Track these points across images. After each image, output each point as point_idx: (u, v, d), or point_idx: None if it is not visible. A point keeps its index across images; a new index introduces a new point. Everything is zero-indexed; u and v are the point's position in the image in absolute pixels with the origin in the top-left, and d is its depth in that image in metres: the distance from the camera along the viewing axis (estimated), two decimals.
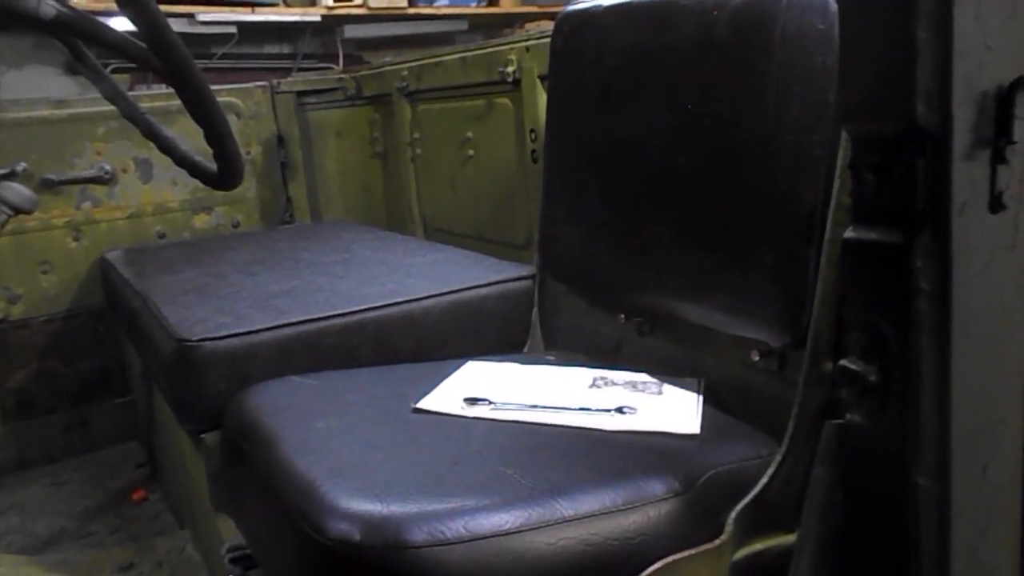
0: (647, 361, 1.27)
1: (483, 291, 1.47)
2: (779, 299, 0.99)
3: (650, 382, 1.17)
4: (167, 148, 1.33)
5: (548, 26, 1.47)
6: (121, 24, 1.19)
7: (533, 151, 1.71)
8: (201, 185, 1.40)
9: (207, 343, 1.25)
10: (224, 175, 1.20)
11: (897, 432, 0.62)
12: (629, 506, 0.85)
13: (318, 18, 3.18)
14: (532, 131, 1.70)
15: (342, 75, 2.53)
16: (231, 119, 1.97)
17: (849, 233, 0.63)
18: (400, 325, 1.39)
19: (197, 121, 1.08)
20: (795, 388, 0.88)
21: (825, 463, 0.72)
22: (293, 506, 0.86)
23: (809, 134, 0.95)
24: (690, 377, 1.18)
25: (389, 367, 1.32)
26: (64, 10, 1.01)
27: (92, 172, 2.17)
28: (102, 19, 1.08)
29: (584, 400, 1.11)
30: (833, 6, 0.93)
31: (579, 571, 0.83)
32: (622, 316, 1.31)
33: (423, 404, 1.10)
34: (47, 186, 2.10)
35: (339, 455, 0.95)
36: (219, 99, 1.09)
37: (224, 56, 3.08)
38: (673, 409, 1.07)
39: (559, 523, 0.82)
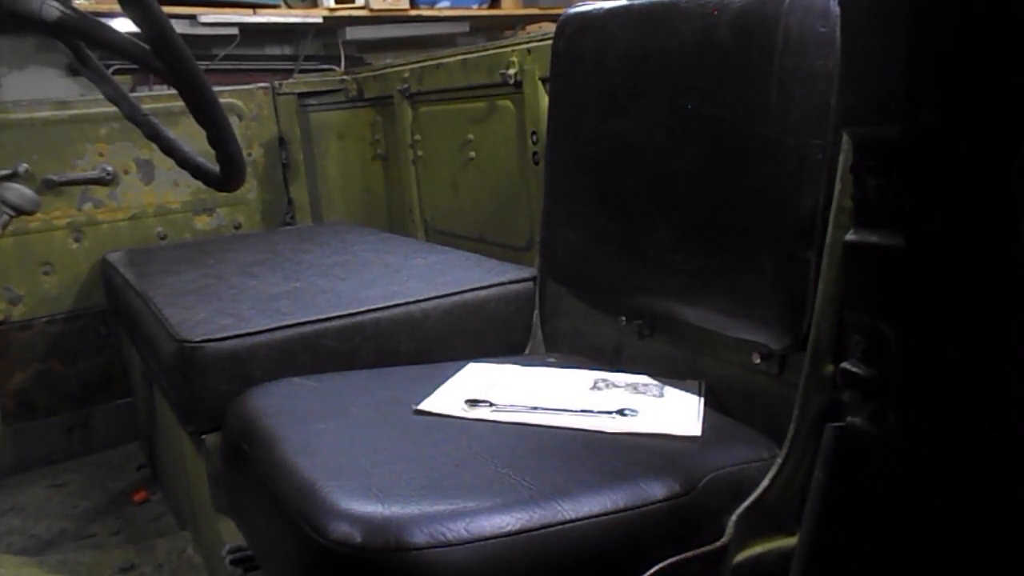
0: (648, 363, 1.27)
1: (484, 293, 1.48)
2: (780, 302, 0.99)
3: (651, 384, 1.17)
4: (169, 150, 1.33)
5: (550, 28, 1.47)
6: (123, 25, 1.20)
7: (534, 153, 1.71)
8: (202, 186, 1.41)
9: (208, 344, 1.25)
10: (226, 177, 1.20)
11: (898, 435, 0.62)
12: (630, 508, 0.85)
13: (320, 20, 3.18)
14: (533, 133, 1.70)
15: (344, 77, 2.53)
16: (233, 120, 1.97)
17: (850, 236, 0.63)
18: (401, 327, 1.39)
19: (199, 122, 1.08)
20: (796, 391, 0.88)
21: (826, 466, 0.72)
22: (294, 507, 0.86)
23: (810, 137, 0.95)
24: (691, 379, 1.18)
25: (390, 369, 1.32)
26: (66, 11, 1.01)
27: (94, 173, 2.17)
28: (104, 20, 1.08)
29: (585, 402, 1.11)
30: (835, 9, 0.93)
31: (580, 573, 0.83)
32: (623, 318, 1.31)
33: (424, 406, 1.10)
34: (49, 187, 2.10)
35: (340, 457, 0.95)
36: (221, 100, 1.09)
37: (226, 57, 3.08)
38: (674, 411, 1.07)
39: (560, 525, 0.82)
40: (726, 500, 0.89)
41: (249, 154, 2.38)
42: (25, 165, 2.07)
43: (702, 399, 1.11)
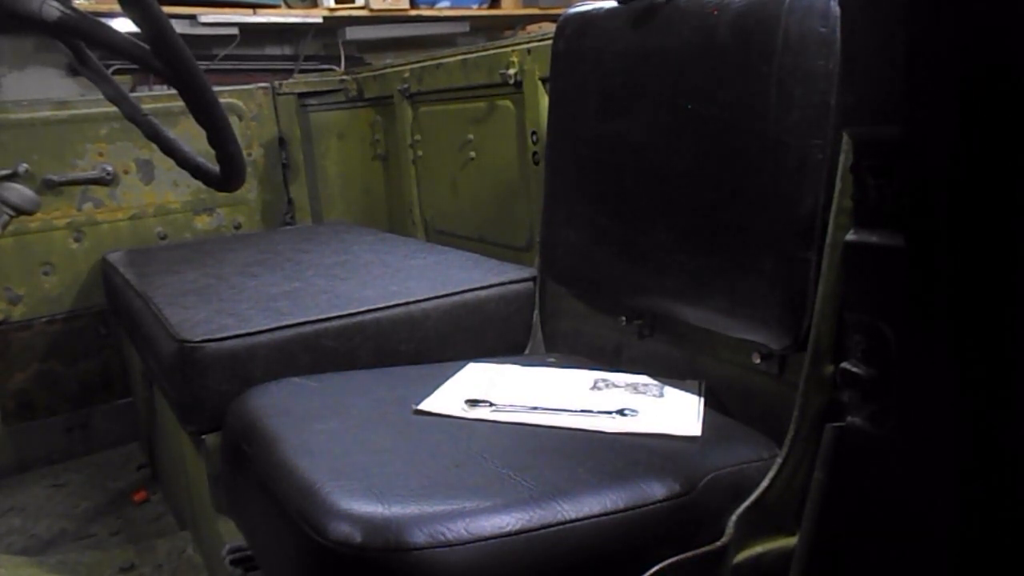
0: (648, 363, 1.27)
1: (484, 293, 1.47)
2: (780, 302, 0.99)
3: (651, 384, 1.17)
4: (169, 150, 1.33)
5: (550, 28, 1.47)
6: (123, 25, 1.20)
7: (534, 153, 1.71)
8: (202, 186, 1.41)
9: (208, 344, 1.25)
10: (226, 177, 1.20)
11: (898, 435, 0.62)
12: (630, 508, 0.85)
13: (320, 20, 3.18)
14: (533, 133, 1.70)
15: (344, 77, 2.53)
16: (233, 120, 1.96)
17: (850, 236, 0.63)
18: (401, 327, 1.39)
19: (199, 123, 1.08)
20: (796, 391, 0.88)
21: (826, 466, 0.72)
22: (294, 508, 0.86)
23: (810, 137, 0.95)
24: (691, 379, 1.18)
25: (390, 369, 1.32)
26: (66, 11, 1.01)
27: (94, 173, 2.17)
28: (104, 20, 1.08)
29: (585, 402, 1.11)
30: (835, 9, 0.93)
31: (580, 573, 0.83)
32: (623, 318, 1.31)
33: (424, 406, 1.10)
34: (49, 187, 2.10)
35: (340, 457, 0.95)
36: (221, 100, 1.09)
37: (226, 57, 3.09)
38: (674, 411, 1.07)
39: (560, 525, 0.82)
40: (726, 500, 0.89)
41: (249, 154, 2.38)
42: (25, 165, 2.07)
43: (702, 399, 1.11)
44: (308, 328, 1.32)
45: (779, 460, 0.89)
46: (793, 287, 0.96)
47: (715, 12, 1.07)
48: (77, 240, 2.17)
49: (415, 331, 1.40)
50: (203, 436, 1.28)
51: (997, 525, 0.58)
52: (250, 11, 3.01)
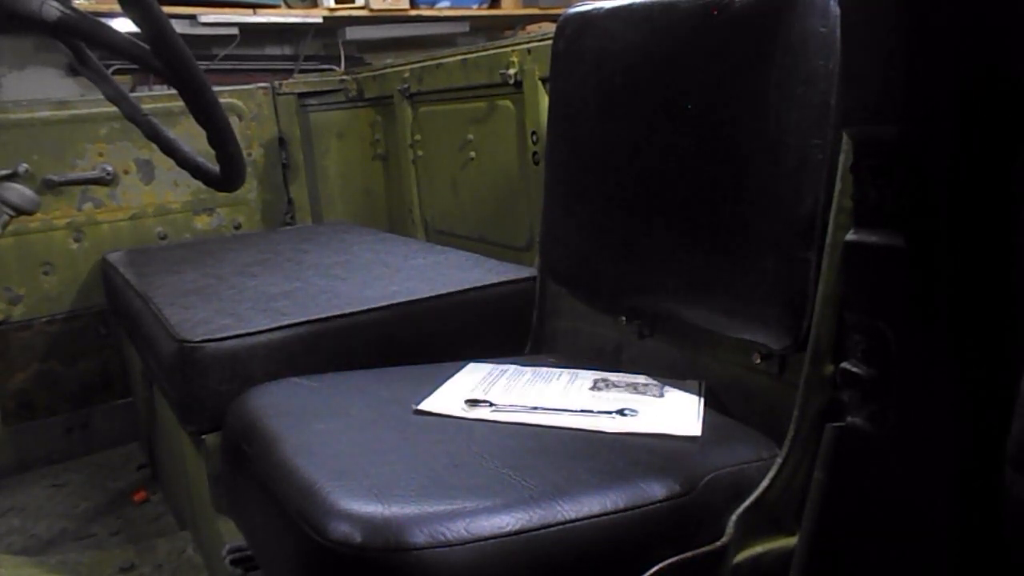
0: (648, 363, 1.27)
1: (484, 293, 1.47)
2: (780, 302, 0.99)
3: (651, 384, 1.17)
4: (169, 150, 1.34)
5: (550, 28, 1.47)
6: (123, 25, 1.20)
7: (534, 153, 1.71)
8: (202, 186, 1.41)
9: (208, 344, 1.26)
10: (226, 177, 1.20)
11: (898, 435, 0.62)
12: (630, 508, 0.85)
13: (320, 20, 3.18)
14: (533, 133, 1.70)
15: (344, 77, 2.53)
16: (233, 120, 1.97)
17: (850, 236, 0.63)
18: (401, 326, 1.39)
19: (199, 123, 1.08)
20: (796, 391, 0.88)
21: (826, 466, 0.72)
22: (294, 507, 0.86)
23: (810, 137, 0.95)
24: (691, 379, 1.18)
25: (390, 368, 1.32)
26: (66, 12, 1.01)
27: (94, 173, 2.17)
28: (104, 20, 1.08)
29: (585, 402, 1.11)
30: (835, 9, 0.93)
31: (580, 573, 0.83)
32: (623, 318, 1.31)
33: (424, 406, 1.10)
34: (49, 187, 2.10)
35: (340, 457, 0.95)
36: (221, 100, 1.09)
37: (226, 57, 3.09)
38: (674, 411, 1.07)
39: (560, 525, 0.82)
40: (726, 500, 0.89)
41: (249, 154, 2.38)
42: (25, 165, 2.08)
43: (702, 399, 1.11)
44: (308, 328, 1.32)
45: (779, 460, 0.89)
46: (793, 287, 0.96)
47: (715, 12, 1.07)
48: (77, 240, 2.17)
49: (415, 331, 1.40)
50: (203, 436, 1.28)
51: (997, 525, 0.58)
52: (250, 11, 3.01)
